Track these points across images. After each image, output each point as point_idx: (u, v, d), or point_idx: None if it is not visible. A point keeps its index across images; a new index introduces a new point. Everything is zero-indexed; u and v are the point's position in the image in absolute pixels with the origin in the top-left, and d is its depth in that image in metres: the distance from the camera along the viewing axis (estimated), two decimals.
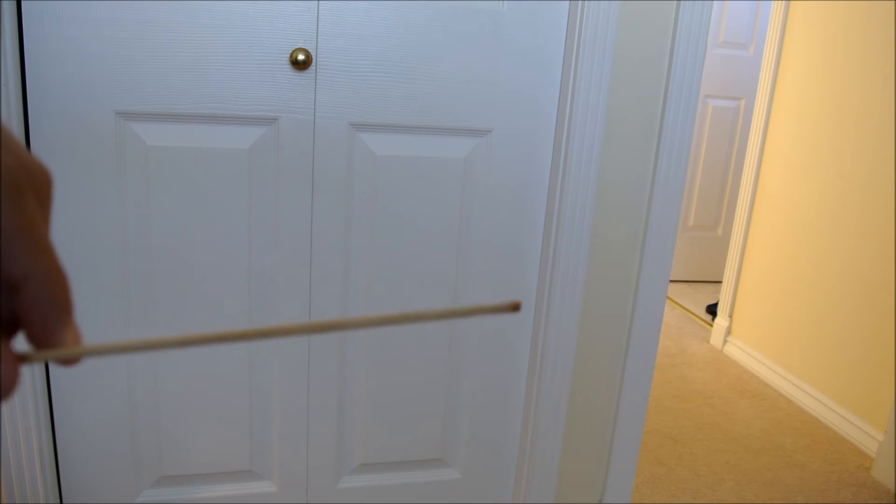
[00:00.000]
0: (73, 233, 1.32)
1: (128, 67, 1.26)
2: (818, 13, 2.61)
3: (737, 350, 3.01)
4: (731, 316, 3.07)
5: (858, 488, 2.12)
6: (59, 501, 1.47)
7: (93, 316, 1.37)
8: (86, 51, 1.23)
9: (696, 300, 3.71)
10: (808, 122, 2.64)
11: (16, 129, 1.23)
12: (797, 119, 2.70)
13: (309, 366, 1.51)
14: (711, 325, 3.31)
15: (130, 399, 1.44)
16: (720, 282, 3.97)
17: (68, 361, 0.32)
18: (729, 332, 3.08)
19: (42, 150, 1.26)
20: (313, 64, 1.33)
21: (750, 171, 2.95)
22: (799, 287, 2.67)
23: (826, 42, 2.56)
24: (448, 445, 1.65)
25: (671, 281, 3.98)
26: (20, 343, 0.32)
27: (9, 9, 1.18)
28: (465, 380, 1.61)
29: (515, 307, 0.34)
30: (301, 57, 1.30)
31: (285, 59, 1.32)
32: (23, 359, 0.32)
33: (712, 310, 3.44)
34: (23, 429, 1.36)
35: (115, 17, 1.23)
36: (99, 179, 1.30)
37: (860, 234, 2.38)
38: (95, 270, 1.35)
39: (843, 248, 2.46)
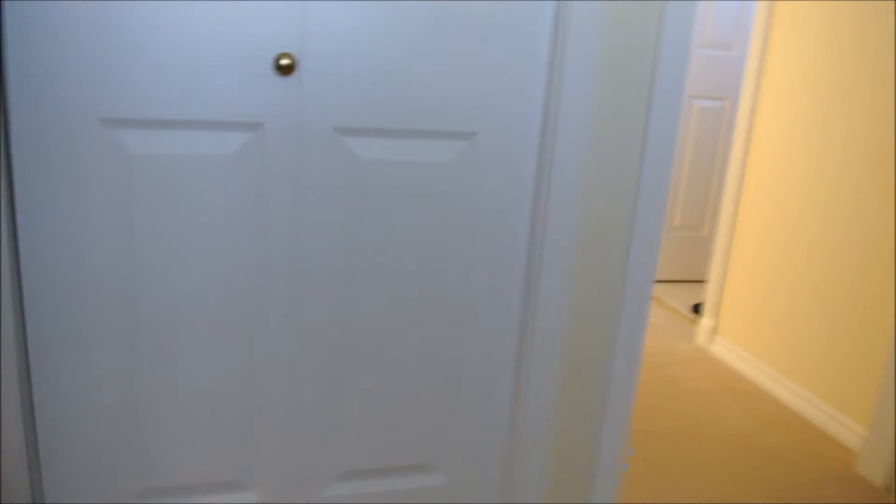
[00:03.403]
0: (56, 241, 1.31)
1: (111, 74, 1.25)
2: (802, 14, 2.63)
3: (723, 349, 3.03)
4: (717, 315, 3.09)
5: (843, 483, 2.14)
6: None
7: (74, 325, 1.36)
8: (68, 57, 1.23)
9: (683, 300, 3.73)
10: (793, 122, 2.66)
11: None
12: (781, 119, 2.72)
13: (293, 374, 1.50)
14: (698, 325, 3.33)
15: (115, 409, 1.43)
16: (706, 281, 3.99)
17: None
18: (715, 331, 3.10)
19: (24, 158, 1.26)
20: (298, 68, 1.33)
21: (735, 171, 2.97)
22: (783, 286, 2.69)
23: (810, 42, 2.59)
24: (434, 450, 1.65)
25: (658, 281, 4.00)
26: None
27: None
28: (451, 384, 1.61)
29: None
30: (285, 62, 1.30)
31: (269, 63, 1.32)
32: None
33: (698, 309, 3.46)
34: (5, 440, 1.35)
35: (98, 22, 1.22)
36: (83, 187, 1.30)
37: (845, 232, 2.40)
38: (78, 278, 1.34)
39: (827, 246, 2.48)
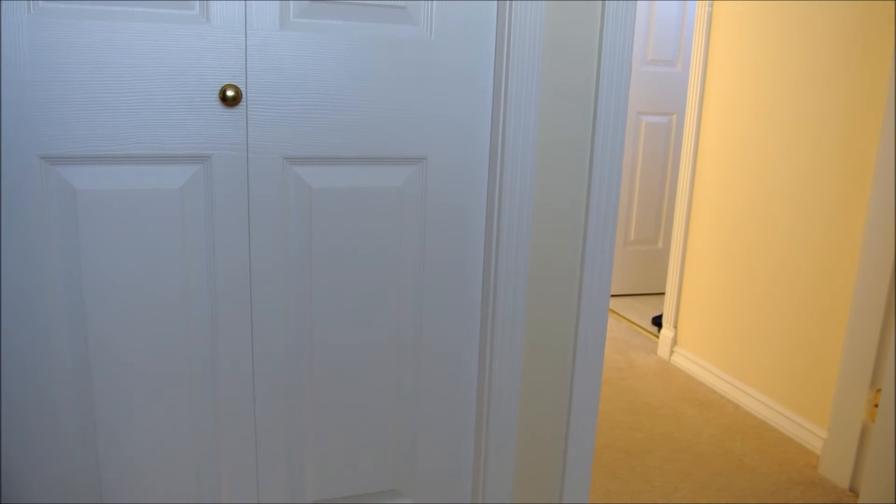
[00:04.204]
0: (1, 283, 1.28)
1: (52, 111, 1.23)
2: (738, 28, 2.71)
3: (683, 359, 3.06)
4: (675, 326, 3.13)
5: (807, 487, 2.17)
6: None
7: (21, 377, 1.33)
8: (6, 95, 1.20)
9: (642, 313, 3.77)
10: (737, 134, 2.72)
11: None
12: (726, 131, 2.79)
13: (255, 405, 1.48)
14: (658, 337, 3.37)
15: (70, 440, 1.39)
16: (664, 293, 4.05)
17: None
18: (675, 342, 3.13)
19: None
20: (244, 99, 1.33)
21: (685, 184, 3.03)
22: (739, 294, 2.73)
23: (748, 53, 2.66)
24: (401, 476, 1.64)
25: (617, 295, 4.05)
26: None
27: None
28: (416, 409, 1.60)
29: None
30: (230, 93, 1.29)
31: (215, 95, 1.31)
32: None
33: (658, 321, 3.50)
34: None
35: (35, 59, 1.20)
36: (26, 228, 1.27)
37: (794, 239, 2.46)
38: (24, 320, 1.31)
39: (778, 253, 2.53)
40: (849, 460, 2.16)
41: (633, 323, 3.63)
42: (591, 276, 1.57)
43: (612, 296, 4.04)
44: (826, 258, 2.32)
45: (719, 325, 2.85)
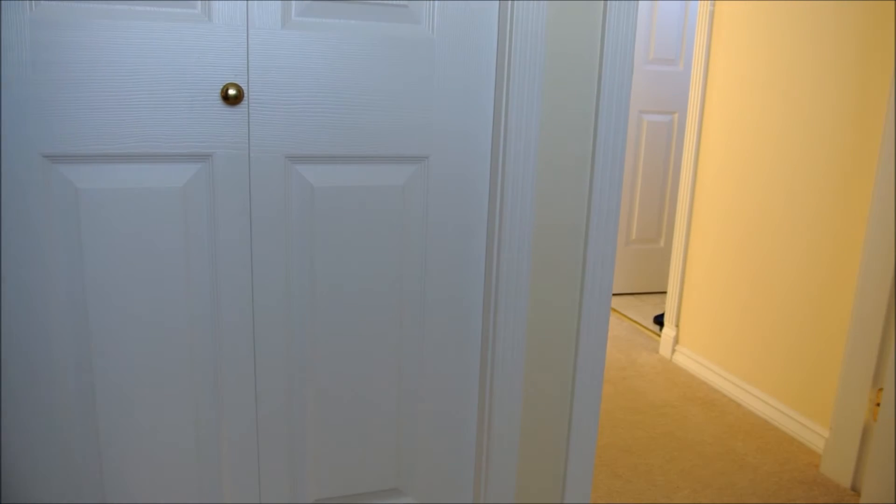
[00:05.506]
0: (3, 281, 1.28)
1: (53, 109, 1.23)
2: (739, 26, 2.70)
3: (685, 358, 3.06)
4: (677, 325, 3.13)
5: (809, 486, 2.16)
6: None
7: (24, 374, 1.33)
8: (8, 94, 1.20)
9: (644, 312, 3.77)
10: (738, 133, 2.72)
11: None
12: (728, 130, 2.78)
13: (257, 403, 1.48)
14: (659, 336, 3.37)
15: (75, 440, 1.39)
16: (666, 292, 4.05)
17: None
18: (677, 341, 3.13)
19: None
20: (245, 98, 1.33)
21: (686, 183, 3.02)
22: (741, 293, 2.73)
23: (750, 52, 2.66)
24: (403, 475, 1.64)
25: (619, 294, 4.04)
26: None
27: None
28: (417, 408, 1.60)
29: None
30: (232, 92, 1.29)
31: (216, 94, 1.31)
32: None
33: (660, 320, 3.49)
34: None
35: (37, 58, 1.20)
36: (28, 226, 1.27)
37: (796, 238, 2.46)
38: (26, 318, 1.31)
39: (779, 252, 2.53)
40: (851, 459, 2.16)
41: (634, 322, 3.63)
42: (592, 274, 1.57)
43: (614, 294, 4.04)
44: (828, 256, 2.32)
45: (721, 323, 2.85)
